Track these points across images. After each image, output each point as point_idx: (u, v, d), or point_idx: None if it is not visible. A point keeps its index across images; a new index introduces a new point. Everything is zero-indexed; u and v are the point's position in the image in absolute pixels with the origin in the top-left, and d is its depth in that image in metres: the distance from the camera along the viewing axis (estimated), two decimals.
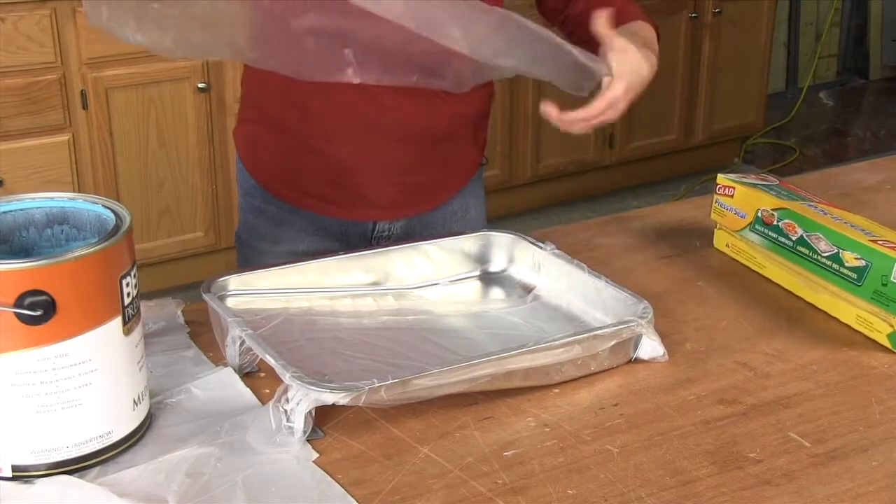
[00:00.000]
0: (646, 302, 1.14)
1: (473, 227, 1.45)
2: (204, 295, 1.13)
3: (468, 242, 1.32)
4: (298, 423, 0.96)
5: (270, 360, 1.01)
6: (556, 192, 3.60)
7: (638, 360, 1.12)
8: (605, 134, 3.66)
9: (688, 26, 3.74)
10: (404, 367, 1.05)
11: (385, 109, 1.32)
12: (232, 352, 1.08)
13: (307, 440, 0.97)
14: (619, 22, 1.24)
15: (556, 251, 1.27)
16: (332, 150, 1.36)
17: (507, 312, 1.23)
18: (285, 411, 0.97)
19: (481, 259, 1.31)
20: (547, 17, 1.44)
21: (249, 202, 1.45)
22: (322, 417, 0.99)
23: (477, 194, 1.51)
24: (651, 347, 1.12)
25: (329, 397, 0.95)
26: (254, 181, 1.43)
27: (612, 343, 1.09)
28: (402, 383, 0.98)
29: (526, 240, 1.31)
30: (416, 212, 1.44)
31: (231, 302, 1.15)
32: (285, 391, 0.98)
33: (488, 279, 1.31)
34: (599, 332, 1.09)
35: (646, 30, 1.31)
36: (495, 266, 1.32)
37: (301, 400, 0.96)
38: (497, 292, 1.29)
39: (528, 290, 1.27)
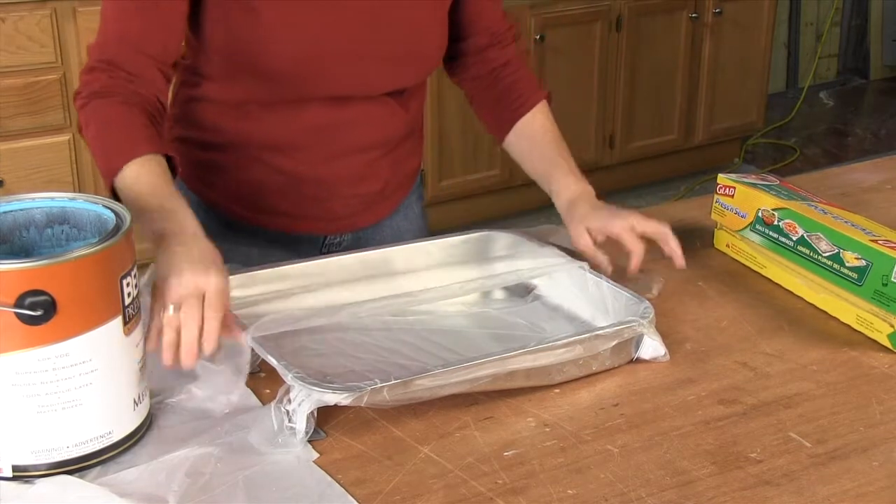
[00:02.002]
0: (647, 302, 1.14)
1: (419, 231, 1.48)
2: None
3: (470, 241, 1.32)
4: (300, 423, 0.96)
5: (272, 361, 1.01)
6: None
7: (639, 360, 1.12)
8: (606, 134, 3.67)
9: (688, 26, 3.74)
10: (406, 368, 1.05)
11: (351, 119, 1.31)
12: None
13: (308, 441, 0.97)
14: (527, 108, 1.40)
15: (557, 251, 1.27)
16: (285, 164, 1.32)
17: (508, 312, 1.23)
18: (287, 412, 0.97)
19: (484, 258, 1.31)
20: (449, 71, 1.46)
21: None
22: (323, 417, 0.99)
23: (419, 200, 1.53)
24: (652, 347, 1.12)
25: (331, 398, 0.95)
26: (196, 198, 1.36)
27: (614, 343, 1.09)
28: (404, 384, 0.98)
29: (527, 239, 1.30)
30: (369, 222, 1.42)
31: (231, 303, 1.15)
32: (287, 392, 0.98)
33: (490, 278, 1.30)
34: (601, 332, 1.09)
35: (550, 128, 1.41)
36: (497, 265, 1.31)
37: (303, 400, 0.96)
38: (498, 292, 1.29)
39: (529, 289, 1.27)
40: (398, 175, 1.43)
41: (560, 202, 1.34)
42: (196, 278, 1.00)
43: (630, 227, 1.26)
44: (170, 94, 1.36)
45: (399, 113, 1.37)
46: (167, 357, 0.99)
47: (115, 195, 1.12)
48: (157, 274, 1.02)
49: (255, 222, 1.38)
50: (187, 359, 0.99)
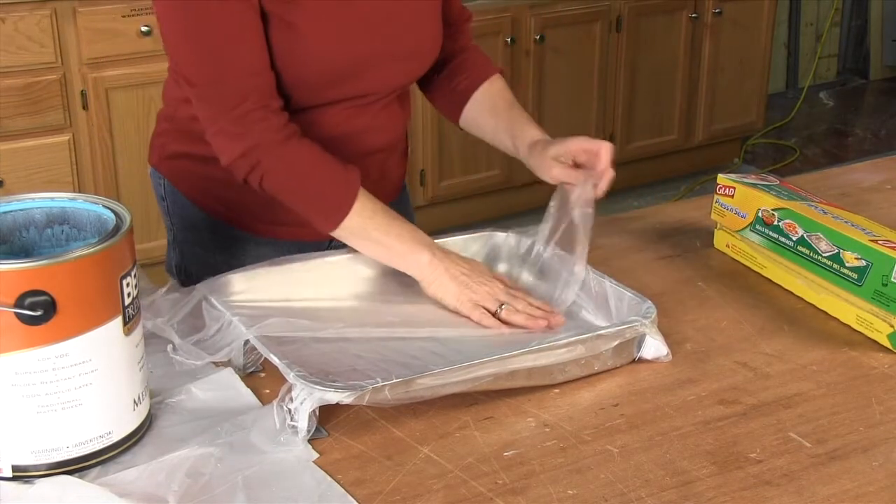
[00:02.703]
0: (649, 302, 1.14)
1: None
2: (208, 294, 1.13)
3: (472, 242, 1.32)
4: (302, 422, 0.96)
5: (274, 359, 1.01)
6: None
7: (641, 360, 1.12)
8: (605, 134, 3.66)
9: (688, 26, 3.74)
10: (408, 367, 1.05)
11: (362, 125, 1.31)
12: (236, 351, 1.08)
13: (310, 439, 0.97)
14: (480, 80, 1.39)
15: (559, 251, 1.26)
16: None
17: None
18: (289, 410, 0.97)
19: (485, 258, 1.31)
20: (423, 88, 1.46)
21: (196, 236, 1.39)
22: (323, 417, 0.99)
23: (408, 207, 1.51)
24: (655, 347, 1.12)
25: (333, 396, 0.95)
26: (203, 213, 1.37)
27: (616, 343, 1.09)
28: (406, 383, 0.98)
29: (529, 239, 1.30)
30: None
31: (234, 301, 1.15)
32: (289, 390, 0.98)
33: None
34: (603, 332, 1.09)
35: (507, 93, 1.41)
36: (500, 265, 1.31)
37: (305, 399, 0.96)
38: None
39: (532, 289, 1.27)
40: (386, 179, 1.42)
41: (523, 148, 1.34)
42: (489, 280, 1.20)
43: (584, 138, 1.27)
44: (172, 109, 1.36)
45: (399, 114, 1.37)
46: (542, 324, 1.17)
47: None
48: (454, 285, 1.19)
49: (261, 233, 1.37)
50: (547, 320, 1.17)
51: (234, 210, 1.37)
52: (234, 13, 1.17)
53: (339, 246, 1.40)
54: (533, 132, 1.34)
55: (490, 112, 1.39)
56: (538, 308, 1.19)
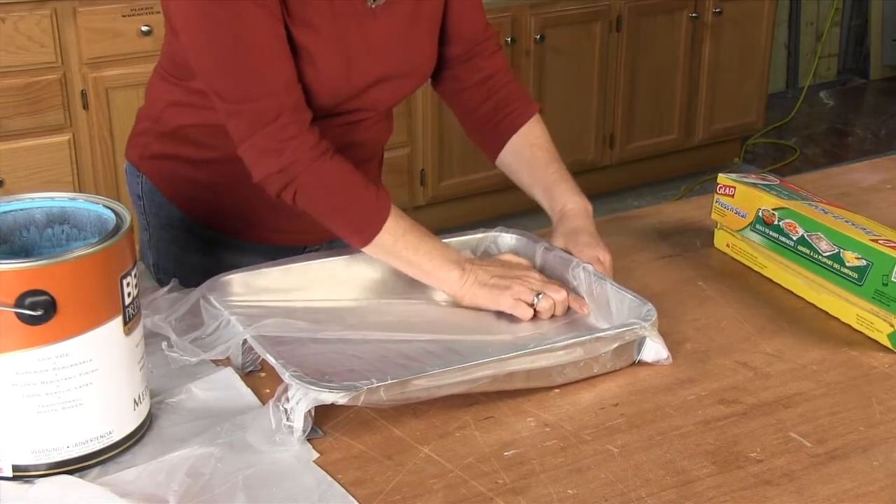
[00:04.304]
0: (650, 304, 1.13)
1: None
2: (207, 293, 1.13)
3: (474, 241, 1.32)
4: (298, 422, 0.96)
5: (270, 359, 1.01)
6: None
7: (640, 363, 1.12)
8: (606, 134, 3.66)
9: (688, 26, 3.74)
10: (405, 368, 1.05)
11: (348, 137, 1.31)
12: (234, 351, 1.08)
13: (307, 439, 0.97)
14: (520, 122, 1.37)
15: (561, 252, 1.26)
16: None
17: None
18: (285, 410, 0.97)
19: (486, 257, 1.31)
20: (435, 82, 1.43)
21: (173, 234, 1.39)
22: (322, 417, 0.99)
23: None
24: (655, 350, 1.11)
25: (328, 397, 0.95)
26: (181, 213, 1.37)
27: (615, 345, 1.09)
28: (401, 384, 0.98)
29: (531, 240, 1.30)
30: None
31: (233, 301, 1.15)
32: (285, 390, 0.98)
33: None
34: (602, 334, 1.09)
35: (546, 142, 1.38)
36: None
37: (300, 399, 0.96)
38: None
39: None
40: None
41: (554, 216, 1.33)
42: (523, 272, 1.22)
43: (599, 255, 1.26)
44: (156, 110, 1.35)
45: (386, 128, 1.38)
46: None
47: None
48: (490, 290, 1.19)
49: (240, 237, 1.38)
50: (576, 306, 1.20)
51: (218, 214, 1.37)
52: (265, 28, 1.16)
53: (312, 251, 1.40)
54: (567, 201, 1.32)
55: (527, 168, 1.37)
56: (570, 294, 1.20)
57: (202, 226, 1.38)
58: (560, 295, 1.19)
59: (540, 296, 1.19)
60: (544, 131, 1.40)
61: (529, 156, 1.37)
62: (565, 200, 1.33)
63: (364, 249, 1.21)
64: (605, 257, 1.26)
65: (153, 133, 1.37)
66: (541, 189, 1.35)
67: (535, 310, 1.18)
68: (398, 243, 1.20)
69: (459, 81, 1.40)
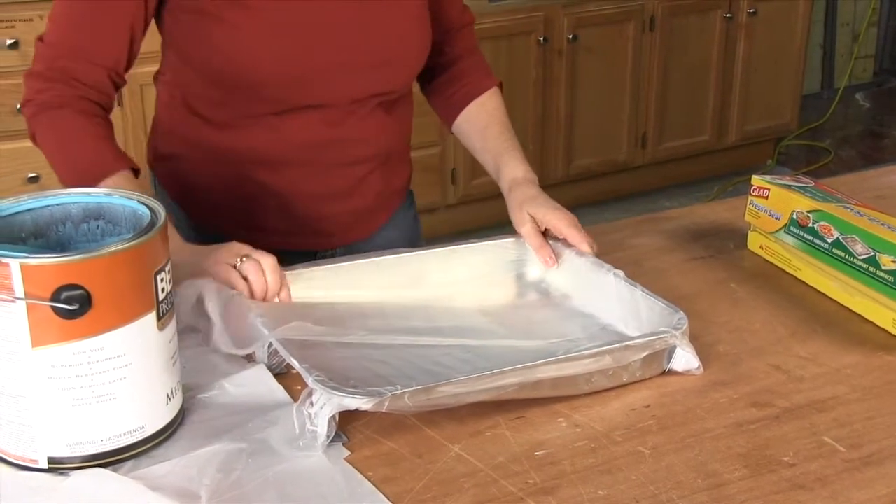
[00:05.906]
0: (681, 312, 1.11)
1: (412, 240, 1.46)
2: (234, 296, 1.13)
3: (504, 246, 1.31)
4: (322, 427, 0.95)
5: (294, 363, 1.00)
6: (588, 192, 3.59)
7: (670, 373, 1.11)
8: (638, 134, 3.65)
9: (722, 26, 3.72)
10: (431, 374, 1.04)
11: (342, 134, 1.31)
12: (261, 353, 1.08)
13: (330, 444, 0.96)
14: (476, 93, 1.41)
15: (592, 257, 1.25)
16: (276, 180, 1.32)
17: (540, 319, 1.22)
18: (309, 415, 0.97)
19: (517, 263, 1.31)
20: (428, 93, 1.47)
21: (184, 237, 1.36)
22: (353, 415, 0.99)
23: (411, 213, 1.51)
24: (685, 360, 1.09)
25: (352, 402, 0.95)
26: (185, 216, 1.37)
27: (645, 354, 1.07)
28: (426, 390, 0.97)
29: (562, 244, 1.29)
30: (361, 236, 1.41)
31: (260, 304, 1.15)
32: (310, 395, 0.98)
33: (523, 284, 1.30)
34: (631, 342, 1.07)
35: (501, 114, 1.42)
36: (530, 271, 1.31)
37: (324, 404, 0.95)
38: (532, 298, 1.28)
39: (563, 296, 1.26)
40: (389, 188, 1.42)
41: (504, 183, 1.36)
42: (232, 247, 1.16)
43: (571, 222, 1.27)
44: (155, 111, 1.38)
45: (389, 125, 1.36)
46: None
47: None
48: (189, 269, 1.14)
49: (246, 240, 1.37)
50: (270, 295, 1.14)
51: (216, 215, 1.36)
52: (122, 8, 1.21)
53: (325, 257, 1.39)
54: (517, 170, 1.35)
55: (480, 133, 1.41)
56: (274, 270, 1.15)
57: (205, 230, 1.35)
58: (268, 259, 1.14)
59: (244, 258, 1.14)
60: (501, 104, 1.44)
61: (483, 124, 1.41)
62: (515, 169, 1.35)
63: None
64: (583, 235, 1.27)
65: (160, 134, 1.39)
66: (491, 156, 1.39)
67: (244, 277, 1.13)
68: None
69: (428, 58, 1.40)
